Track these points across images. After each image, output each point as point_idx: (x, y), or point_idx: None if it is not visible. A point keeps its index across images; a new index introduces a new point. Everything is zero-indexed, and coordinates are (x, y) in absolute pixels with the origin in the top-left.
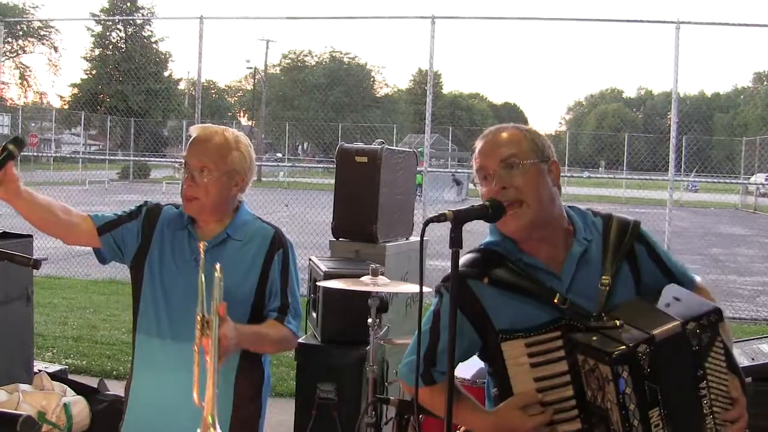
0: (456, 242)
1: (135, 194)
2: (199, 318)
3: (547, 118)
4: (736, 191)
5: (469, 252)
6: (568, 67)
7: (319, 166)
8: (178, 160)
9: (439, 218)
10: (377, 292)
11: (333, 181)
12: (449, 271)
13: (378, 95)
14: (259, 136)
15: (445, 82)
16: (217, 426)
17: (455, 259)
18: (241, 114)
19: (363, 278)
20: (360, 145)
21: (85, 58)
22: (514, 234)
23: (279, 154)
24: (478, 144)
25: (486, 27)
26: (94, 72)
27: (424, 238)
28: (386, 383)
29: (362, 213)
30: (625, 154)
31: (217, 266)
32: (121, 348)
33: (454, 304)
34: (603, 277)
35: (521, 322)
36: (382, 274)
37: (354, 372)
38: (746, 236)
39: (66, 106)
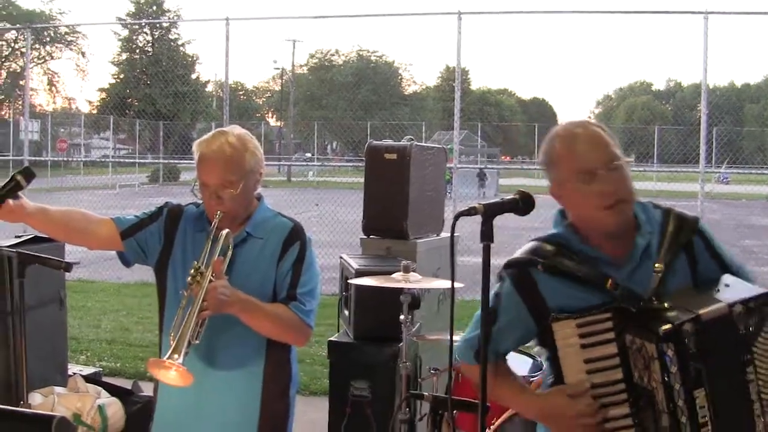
0: (487, 236)
1: (166, 197)
2: (194, 269)
3: (576, 113)
4: (767, 182)
5: (530, 241)
6: (595, 61)
7: (348, 164)
8: None
9: (470, 212)
10: (409, 289)
11: (363, 180)
12: (512, 257)
13: (406, 93)
14: (288, 136)
15: (473, 78)
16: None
17: (486, 253)
18: (270, 115)
19: (395, 275)
20: (389, 142)
21: (112, 62)
22: (615, 228)
23: (308, 154)
24: (571, 145)
25: (513, 22)
26: (121, 76)
27: (455, 234)
28: (420, 379)
29: (392, 210)
30: (655, 146)
31: (224, 232)
32: (154, 350)
33: (486, 297)
34: (656, 265)
35: (574, 306)
36: (414, 271)
37: (387, 369)
38: None
39: (94, 111)
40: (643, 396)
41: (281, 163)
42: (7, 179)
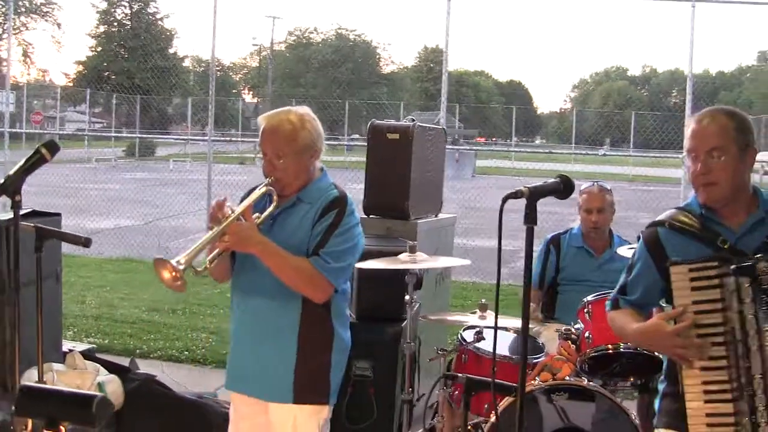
0: (530, 218)
1: (143, 172)
2: (220, 203)
3: (552, 96)
4: None
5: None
6: (572, 45)
7: (326, 143)
8: (182, 137)
9: (516, 194)
10: (416, 269)
11: (339, 159)
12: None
13: (384, 72)
14: (263, 113)
15: (449, 59)
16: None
17: (530, 234)
18: (247, 91)
19: (401, 256)
20: (391, 122)
21: (90, 35)
22: (703, 203)
23: None
24: (693, 125)
25: (490, 3)
26: (99, 49)
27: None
28: (429, 360)
29: (394, 190)
30: (632, 131)
31: (262, 187)
32: (141, 326)
33: (528, 275)
34: None
35: (689, 256)
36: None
37: (389, 349)
38: None
39: (71, 84)
40: (730, 334)
41: (257, 140)
42: (31, 152)
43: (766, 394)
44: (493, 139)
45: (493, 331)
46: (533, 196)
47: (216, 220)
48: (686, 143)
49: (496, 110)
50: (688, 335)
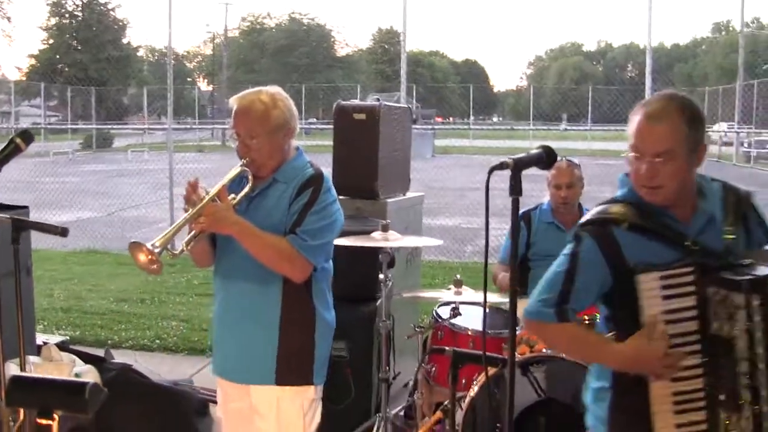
0: (516, 190)
1: (101, 164)
2: (194, 184)
3: (509, 74)
4: None
5: (604, 203)
6: (527, 23)
7: None
8: (140, 127)
9: (501, 166)
10: (389, 248)
11: (300, 142)
12: (587, 217)
13: (339, 55)
14: (220, 101)
15: (402, 40)
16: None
17: (515, 205)
18: (201, 79)
19: (374, 234)
20: (357, 102)
21: (41, 28)
22: (655, 203)
23: None
24: (640, 119)
25: None
26: (51, 42)
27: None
28: (407, 338)
29: (362, 170)
30: (590, 106)
31: (237, 167)
32: (112, 317)
33: (515, 247)
34: (727, 228)
35: (653, 261)
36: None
37: (365, 328)
38: None
39: (24, 78)
40: (720, 345)
41: (214, 127)
42: (5, 143)
43: None
44: (451, 118)
45: (468, 306)
46: (518, 167)
47: (191, 201)
48: (631, 139)
49: (452, 90)
50: (672, 354)
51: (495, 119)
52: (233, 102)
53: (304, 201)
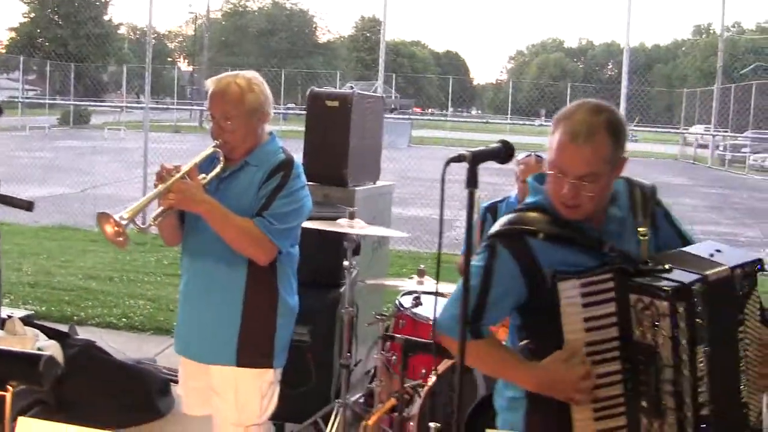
0: (472, 182)
1: (77, 140)
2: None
3: (489, 68)
4: (674, 142)
5: (517, 210)
6: (509, 17)
7: None
8: (118, 105)
9: (458, 158)
10: (354, 235)
11: (278, 127)
12: (499, 227)
13: (320, 42)
14: (200, 81)
15: (386, 29)
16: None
17: (471, 198)
18: (182, 59)
19: (340, 221)
20: (330, 89)
21: (22, 1)
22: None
23: None
24: (561, 139)
25: None
26: (32, 15)
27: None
28: (367, 326)
29: (333, 157)
30: (568, 103)
31: (210, 147)
32: (79, 293)
33: (469, 236)
34: (640, 229)
35: (573, 269)
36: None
37: (327, 314)
38: (688, 186)
39: (3, 51)
40: (643, 352)
41: (192, 108)
42: None
43: (695, 415)
44: (429, 109)
45: (431, 296)
46: (475, 160)
47: (162, 178)
48: (552, 155)
49: (432, 81)
50: (588, 378)
51: (474, 112)
52: (210, 84)
53: (273, 185)
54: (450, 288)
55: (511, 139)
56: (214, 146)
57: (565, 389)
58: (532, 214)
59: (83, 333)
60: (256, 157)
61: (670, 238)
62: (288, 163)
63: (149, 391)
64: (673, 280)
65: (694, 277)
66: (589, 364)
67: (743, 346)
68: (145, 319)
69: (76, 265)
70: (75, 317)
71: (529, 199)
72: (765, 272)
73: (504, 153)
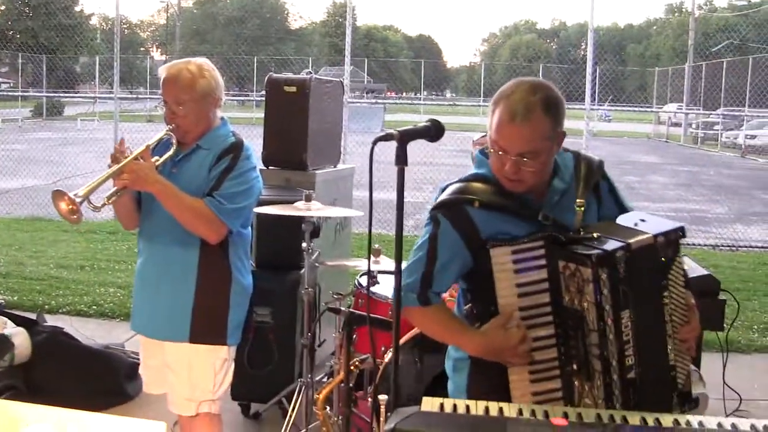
0: (401, 160)
1: (50, 131)
2: (121, 143)
3: (462, 50)
4: (648, 121)
5: (458, 180)
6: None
7: (234, 99)
8: (90, 96)
9: (386, 137)
10: (311, 217)
11: (251, 114)
12: (442, 197)
13: (292, 28)
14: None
15: (359, 14)
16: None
17: (401, 175)
18: (155, 49)
19: (297, 204)
20: (289, 75)
21: None
22: (516, 191)
23: None
24: (500, 118)
25: None
26: (2, 8)
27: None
28: (324, 304)
29: (292, 142)
30: None
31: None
32: (50, 283)
33: (400, 214)
34: (577, 200)
35: (508, 235)
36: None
37: (288, 296)
38: (658, 164)
39: None
40: (571, 317)
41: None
42: None
43: (621, 378)
44: (402, 93)
45: (390, 276)
46: (403, 138)
47: (116, 159)
48: (493, 134)
49: (405, 65)
50: (526, 342)
51: (447, 95)
52: (162, 71)
53: (223, 167)
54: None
55: (484, 121)
56: (167, 130)
57: (503, 354)
58: (476, 184)
59: (54, 321)
60: (207, 140)
61: (611, 210)
62: (237, 146)
63: (117, 375)
64: (597, 248)
65: (618, 244)
66: (525, 329)
67: (668, 311)
68: (115, 306)
69: (48, 255)
70: (46, 306)
71: (474, 170)
72: (685, 240)
73: (433, 131)
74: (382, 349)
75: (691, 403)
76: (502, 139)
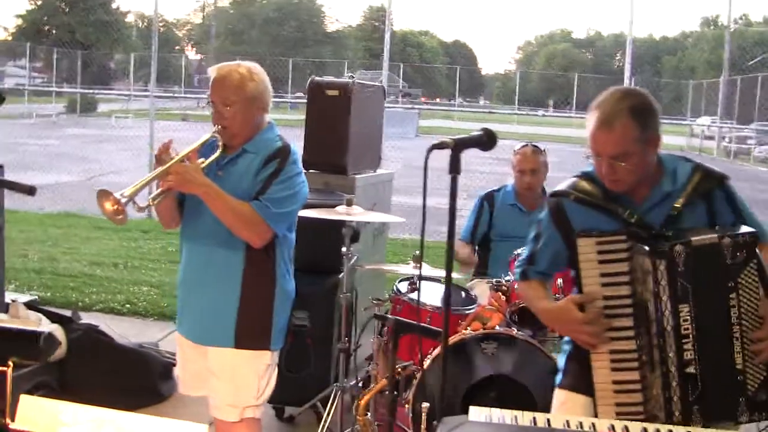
0: (455, 168)
1: (84, 128)
2: (166, 145)
3: (497, 58)
4: (682, 133)
5: (576, 175)
6: (517, 7)
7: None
8: (125, 93)
9: (441, 145)
10: (352, 222)
11: (285, 116)
12: (557, 187)
13: (329, 31)
14: (206, 70)
15: (395, 18)
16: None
17: (454, 183)
18: (190, 47)
19: (338, 208)
20: (331, 78)
21: None
22: (615, 190)
23: None
24: (593, 125)
25: None
26: (39, 2)
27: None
28: (363, 309)
29: (333, 145)
30: (575, 93)
31: (207, 134)
32: (84, 280)
33: (452, 223)
34: (675, 205)
35: (595, 228)
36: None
37: (327, 300)
38: None
39: (10, 38)
40: (639, 306)
41: (199, 96)
42: None
43: (679, 371)
44: (437, 99)
45: (427, 282)
46: (458, 147)
47: (161, 160)
48: (589, 141)
49: (440, 70)
50: (596, 323)
51: (482, 102)
52: (212, 71)
53: (270, 171)
54: (442, 273)
55: (518, 129)
56: (213, 132)
57: (567, 327)
58: (580, 181)
59: (87, 319)
60: (254, 144)
61: (729, 221)
62: (284, 150)
63: (151, 374)
64: (663, 243)
65: (679, 240)
66: (602, 314)
67: (736, 314)
68: (148, 305)
69: (81, 251)
70: (79, 303)
71: (586, 169)
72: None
73: (486, 140)
74: (419, 356)
75: (762, 411)
76: (594, 144)
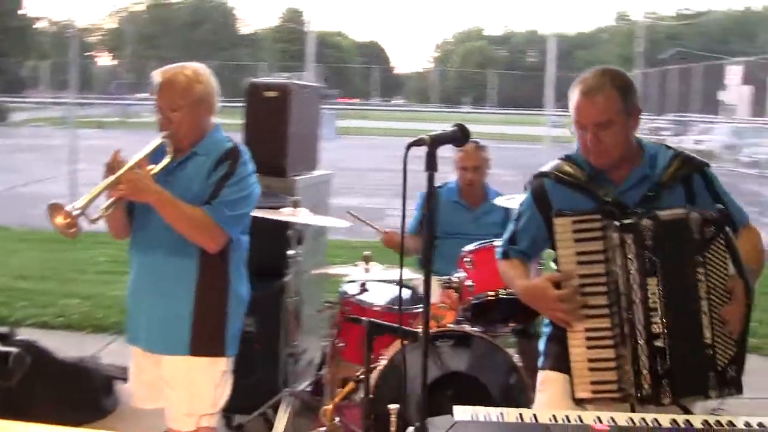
0: (431, 165)
1: None
2: (116, 153)
3: (414, 57)
4: None
5: (560, 158)
6: (436, 6)
7: None
8: (39, 101)
9: (418, 142)
10: (298, 224)
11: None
12: (536, 170)
13: (244, 33)
14: (122, 76)
15: (311, 20)
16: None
17: (431, 180)
18: (105, 53)
19: (283, 210)
20: (269, 79)
21: None
22: (594, 165)
23: (147, 94)
24: (577, 97)
25: None
26: None
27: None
28: (316, 312)
29: (272, 147)
30: (495, 90)
31: (157, 140)
32: (11, 294)
33: (430, 220)
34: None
35: (573, 208)
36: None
37: (273, 304)
38: None
39: None
40: (611, 282)
41: (117, 102)
42: None
43: (648, 344)
44: (355, 99)
45: (375, 283)
46: (434, 143)
47: (111, 169)
48: (573, 115)
49: (356, 71)
50: (571, 301)
51: (398, 101)
52: (157, 75)
53: (221, 173)
54: (390, 273)
55: (437, 126)
56: (162, 137)
57: (543, 304)
58: (562, 162)
59: (21, 333)
60: (203, 146)
61: (708, 206)
62: (235, 151)
63: (94, 388)
64: (632, 219)
65: (647, 215)
66: (577, 292)
67: (705, 289)
68: (81, 318)
69: (7, 264)
70: (10, 318)
71: (569, 153)
72: None
73: (461, 136)
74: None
75: (731, 387)
76: (579, 115)
